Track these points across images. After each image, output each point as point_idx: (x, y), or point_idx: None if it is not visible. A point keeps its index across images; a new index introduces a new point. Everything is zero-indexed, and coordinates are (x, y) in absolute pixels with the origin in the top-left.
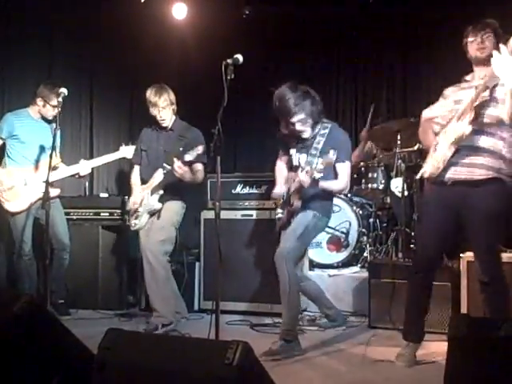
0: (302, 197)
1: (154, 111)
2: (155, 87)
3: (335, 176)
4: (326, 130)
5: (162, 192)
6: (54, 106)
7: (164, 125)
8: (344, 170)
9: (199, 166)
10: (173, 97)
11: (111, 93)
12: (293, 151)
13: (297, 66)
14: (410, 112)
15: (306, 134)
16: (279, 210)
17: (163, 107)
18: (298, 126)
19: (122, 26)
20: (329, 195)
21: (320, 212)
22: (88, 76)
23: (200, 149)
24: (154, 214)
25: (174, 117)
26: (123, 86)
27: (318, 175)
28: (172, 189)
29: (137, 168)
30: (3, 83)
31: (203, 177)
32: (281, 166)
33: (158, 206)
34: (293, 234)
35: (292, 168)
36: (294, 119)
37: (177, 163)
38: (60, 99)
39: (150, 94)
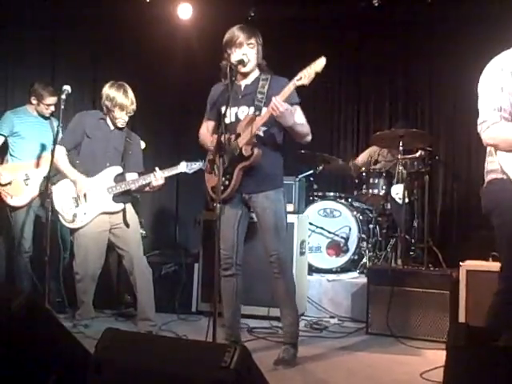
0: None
1: (117, 112)
2: (124, 88)
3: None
4: (267, 76)
5: (119, 195)
6: (47, 105)
7: (121, 126)
8: (300, 113)
9: (135, 174)
10: None
11: None
12: (224, 108)
13: (301, 67)
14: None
15: (248, 67)
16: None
17: (130, 112)
18: (249, 48)
19: (126, 25)
20: (281, 157)
21: (282, 185)
22: (91, 75)
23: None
24: (107, 213)
25: None
26: (126, 83)
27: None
28: (128, 192)
29: (63, 151)
30: (7, 81)
31: None
32: (205, 132)
33: (117, 207)
34: (280, 230)
35: (225, 128)
36: (250, 40)
37: (160, 173)
38: (63, 96)
39: (120, 94)
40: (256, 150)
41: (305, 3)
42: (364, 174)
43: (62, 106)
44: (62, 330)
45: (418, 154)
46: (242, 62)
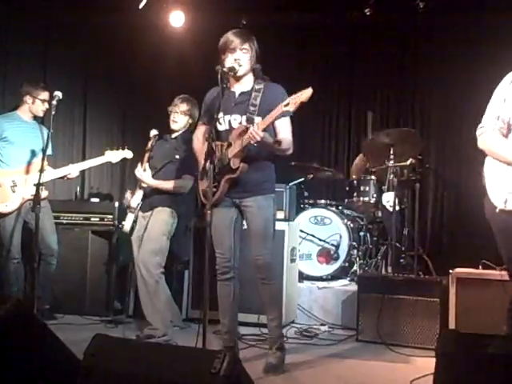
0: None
1: (171, 111)
2: (184, 95)
3: (274, 133)
4: (261, 85)
5: (141, 193)
6: (42, 101)
7: (173, 126)
8: (286, 125)
9: (187, 176)
10: (195, 111)
11: (105, 98)
12: (220, 115)
13: (293, 75)
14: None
15: (241, 71)
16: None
17: (179, 112)
18: (242, 54)
19: (119, 31)
20: (271, 165)
21: (274, 191)
22: (83, 80)
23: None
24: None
25: (185, 129)
26: (118, 91)
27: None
28: (160, 195)
29: None
30: None
31: (189, 187)
32: (199, 139)
33: (133, 204)
34: (267, 235)
35: (219, 135)
36: (244, 45)
37: (143, 173)
38: (54, 102)
39: (176, 98)
40: (242, 165)
41: (297, 11)
42: (355, 181)
43: (53, 112)
44: (50, 336)
45: (408, 162)
46: (233, 70)
